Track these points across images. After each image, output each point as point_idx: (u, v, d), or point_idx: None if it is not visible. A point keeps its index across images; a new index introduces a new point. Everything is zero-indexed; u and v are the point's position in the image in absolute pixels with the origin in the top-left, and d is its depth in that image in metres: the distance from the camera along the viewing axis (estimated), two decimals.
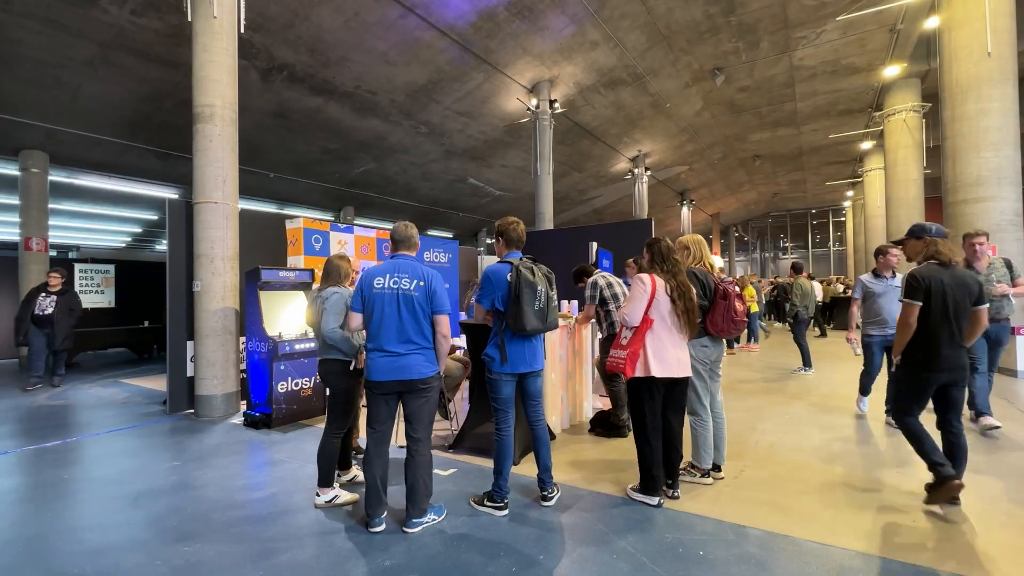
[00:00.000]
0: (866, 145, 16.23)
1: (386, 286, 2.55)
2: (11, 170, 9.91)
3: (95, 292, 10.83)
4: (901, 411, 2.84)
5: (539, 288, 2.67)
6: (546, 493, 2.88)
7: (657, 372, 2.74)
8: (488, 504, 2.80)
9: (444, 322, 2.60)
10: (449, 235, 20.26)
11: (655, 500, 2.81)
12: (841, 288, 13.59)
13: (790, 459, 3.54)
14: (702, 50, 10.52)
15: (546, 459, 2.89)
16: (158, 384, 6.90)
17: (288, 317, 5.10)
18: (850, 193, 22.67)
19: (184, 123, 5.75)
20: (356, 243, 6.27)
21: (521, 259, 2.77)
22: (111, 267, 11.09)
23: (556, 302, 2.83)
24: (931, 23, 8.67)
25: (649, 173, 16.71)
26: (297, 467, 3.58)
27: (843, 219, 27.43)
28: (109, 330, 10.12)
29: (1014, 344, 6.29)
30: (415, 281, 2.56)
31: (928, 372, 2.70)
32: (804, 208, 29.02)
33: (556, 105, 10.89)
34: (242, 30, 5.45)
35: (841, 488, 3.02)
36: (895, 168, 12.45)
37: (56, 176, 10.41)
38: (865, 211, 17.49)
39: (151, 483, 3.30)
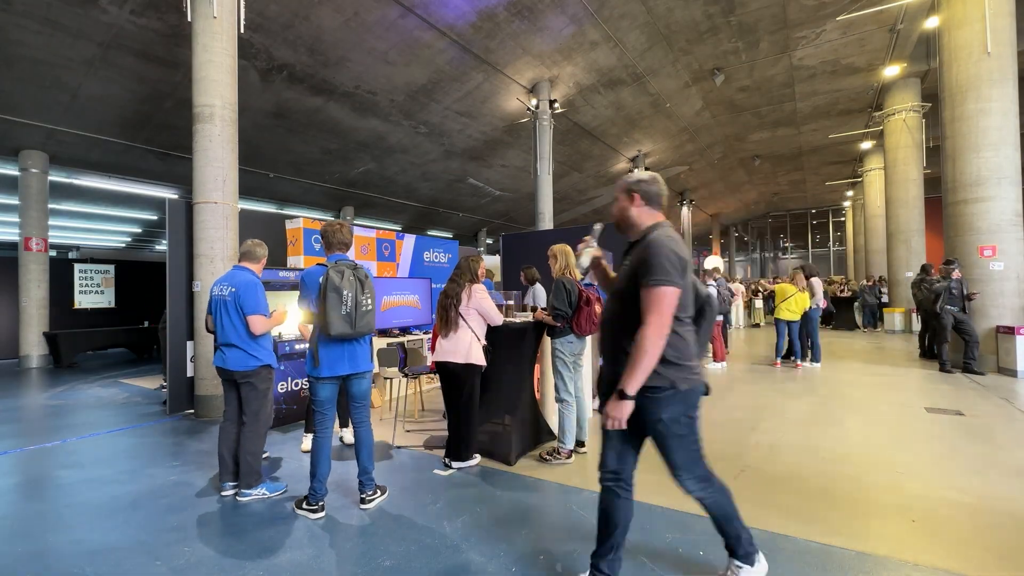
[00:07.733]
0: (866, 145, 16.23)
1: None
2: (11, 170, 9.91)
3: (95, 292, 10.85)
4: None
5: (345, 292, 2.61)
6: (364, 496, 2.85)
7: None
8: (305, 507, 2.77)
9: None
10: (449, 235, 20.26)
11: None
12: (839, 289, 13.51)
13: (790, 459, 3.54)
14: (702, 50, 10.52)
15: (366, 462, 2.85)
16: (158, 384, 6.90)
17: (288, 317, 5.08)
18: (850, 193, 22.66)
19: (184, 123, 5.76)
20: (356, 243, 6.27)
21: (337, 263, 2.71)
22: (111, 267, 11.12)
23: (369, 307, 2.72)
24: (931, 23, 8.68)
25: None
26: (297, 467, 3.58)
27: (843, 219, 27.40)
28: (109, 330, 10.12)
29: (1014, 344, 6.29)
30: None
31: None
32: (804, 208, 28.99)
33: (556, 105, 10.88)
34: (242, 30, 5.44)
35: (841, 488, 3.02)
36: (895, 168, 12.44)
37: (56, 176, 10.39)
38: (865, 211, 17.49)
39: (151, 483, 3.30)
